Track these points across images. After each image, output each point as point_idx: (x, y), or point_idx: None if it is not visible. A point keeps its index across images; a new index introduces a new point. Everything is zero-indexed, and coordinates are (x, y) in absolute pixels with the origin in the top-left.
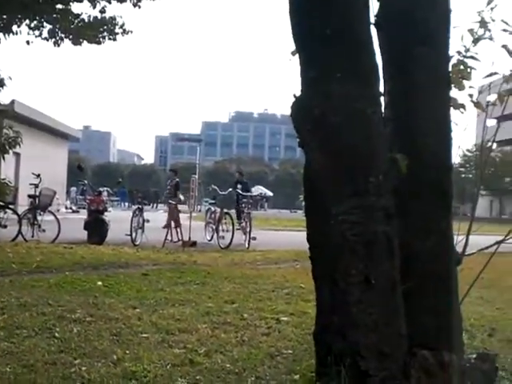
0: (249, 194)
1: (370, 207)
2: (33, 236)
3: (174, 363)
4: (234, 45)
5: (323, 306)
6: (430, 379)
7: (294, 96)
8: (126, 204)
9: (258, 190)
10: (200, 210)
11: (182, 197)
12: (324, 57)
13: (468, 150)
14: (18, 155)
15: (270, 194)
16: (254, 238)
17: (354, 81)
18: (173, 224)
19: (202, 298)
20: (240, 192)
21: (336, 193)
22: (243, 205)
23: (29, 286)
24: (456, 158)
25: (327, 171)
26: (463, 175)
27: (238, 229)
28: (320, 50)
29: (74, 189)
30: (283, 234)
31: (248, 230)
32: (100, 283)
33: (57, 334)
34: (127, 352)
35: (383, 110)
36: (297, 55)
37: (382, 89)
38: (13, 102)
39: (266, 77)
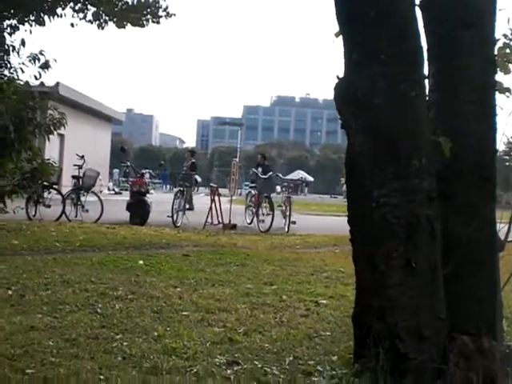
0: (289, 178)
1: (412, 190)
2: (76, 216)
3: (214, 341)
4: (277, 28)
5: (363, 288)
6: (469, 364)
7: (338, 77)
8: (168, 186)
9: (298, 174)
10: (240, 194)
11: (198, 178)
12: (368, 39)
13: None
14: (62, 136)
15: (311, 179)
16: (294, 222)
17: (398, 63)
18: (213, 206)
19: (241, 280)
20: (280, 176)
21: (378, 175)
22: (283, 189)
23: (72, 264)
24: (500, 145)
25: (369, 153)
26: (507, 163)
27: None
28: (364, 32)
29: (116, 171)
30: (323, 219)
31: (288, 214)
32: (141, 262)
33: (99, 310)
34: (168, 329)
35: (427, 93)
36: (340, 37)
37: (426, 71)
38: (57, 84)
39: (308, 61)
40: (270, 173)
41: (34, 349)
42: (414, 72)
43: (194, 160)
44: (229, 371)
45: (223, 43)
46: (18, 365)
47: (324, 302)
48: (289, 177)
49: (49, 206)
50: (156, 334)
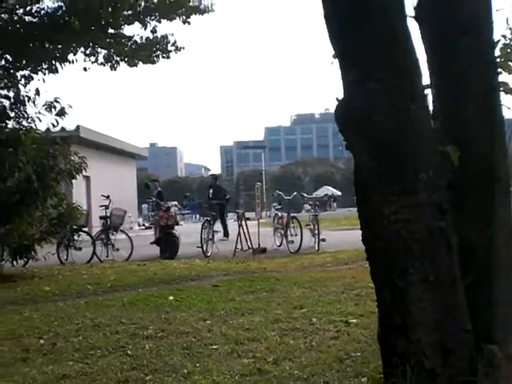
0: (313, 196)
1: (422, 204)
2: (107, 256)
3: (243, 373)
4: (291, 48)
5: (384, 306)
6: (499, 373)
7: (337, 99)
8: (197, 216)
9: (325, 190)
10: (269, 216)
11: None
12: (363, 57)
13: None
14: (87, 178)
15: (339, 193)
16: (324, 240)
17: (395, 78)
18: (241, 232)
19: (271, 306)
20: (304, 195)
21: (386, 193)
22: (310, 207)
23: (103, 306)
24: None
25: (375, 172)
26: None
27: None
28: (357, 51)
29: (145, 206)
30: (353, 233)
31: (316, 232)
32: (171, 298)
33: (129, 352)
34: (197, 365)
35: (431, 103)
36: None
37: (427, 82)
38: (78, 127)
39: (324, 77)
40: (295, 193)
41: None
42: (412, 85)
43: (159, 188)
44: None
45: (238, 68)
46: None
47: (354, 321)
48: (316, 193)
49: (80, 249)
50: (185, 371)
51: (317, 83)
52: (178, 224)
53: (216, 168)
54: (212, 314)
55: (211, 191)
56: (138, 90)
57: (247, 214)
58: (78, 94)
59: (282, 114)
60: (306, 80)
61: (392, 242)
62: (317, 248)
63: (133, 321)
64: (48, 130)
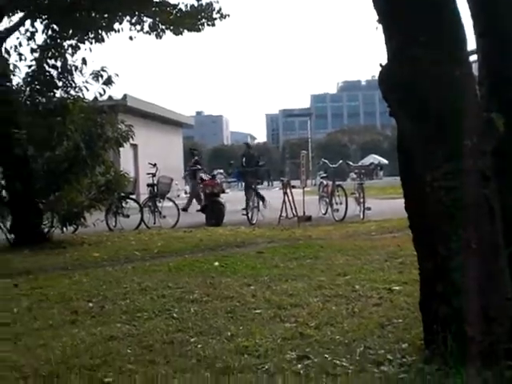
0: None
1: (466, 171)
2: (154, 223)
3: (285, 337)
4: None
5: (426, 274)
6: None
7: (380, 65)
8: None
9: (371, 159)
10: (314, 184)
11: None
12: (406, 22)
13: None
14: (135, 146)
15: (385, 161)
16: (369, 209)
17: (439, 44)
18: (286, 200)
19: (314, 272)
20: (350, 163)
21: (430, 159)
22: (355, 175)
23: (150, 271)
24: None
25: (419, 138)
26: None
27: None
28: (401, 16)
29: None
30: (400, 202)
31: (362, 200)
32: (217, 264)
33: (175, 315)
34: (240, 328)
35: (478, 69)
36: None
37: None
38: (125, 96)
39: (371, 43)
40: (340, 161)
41: (113, 358)
42: (456, 51)
43: (196, 157)
44: (299, 366)
45: (285, 34)
46: (97, 375)
47: (397, 288)
48: (362, 161)
49: (127, 216)
50: (229, 333)
51: (364, 50)
52: (224, 192)
53: (262, 136)
54: (256, 279)
55: (244, 159)
56: (184, 59)
57: (292, 182)
58: (124, 63)
59: (328, 81)
60: (353, 46)
61: (435, 209)
62: (362, 217)
63: (179, 285)
64: (95, 98)
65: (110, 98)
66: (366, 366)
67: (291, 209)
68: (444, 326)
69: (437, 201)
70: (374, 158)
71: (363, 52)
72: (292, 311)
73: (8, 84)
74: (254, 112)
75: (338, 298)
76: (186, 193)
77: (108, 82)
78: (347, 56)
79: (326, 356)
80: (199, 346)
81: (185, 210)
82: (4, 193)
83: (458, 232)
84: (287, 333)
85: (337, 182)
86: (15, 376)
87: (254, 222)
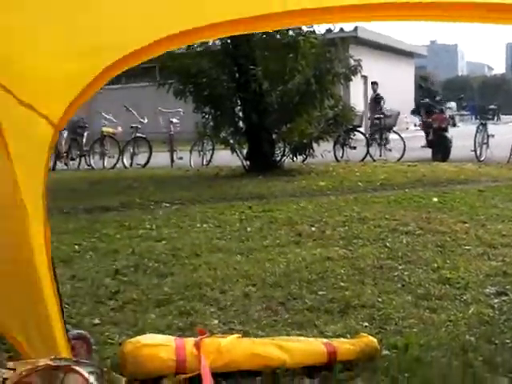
0: None
1: None
2: (380, 155)
3: (488, 273)
4: None
5: None
6: None
7: None
8: (477, 118)
9: None
10: None
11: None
12: None
13: None
14: (365, 78)
15: None
16: None
17: None
18: None
19: None
20: None
21: None
22: None
23: (370, 202)
24: None
25: None
26: None
27: None
28: None
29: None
30: None
31: None
32: (436, 199)
33: (387, 244)
34: (447, 261)
35: None
36: None
37: None
38: (355, 28)
39: None
40: None
41: (328, 275)
42: None
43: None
44: (495, 300)
45: None
46: (313, 288)
47: None
48: None
49: (354, 148)
50: (435, 265)
51: None
52: (454, 126)
53: (500, 67)
54: (472, 217)
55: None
56: None
57: None
58: None
59: None
60: None
61: None
62: None
63: (395, 217)
64: (328, 31)
65: (342, 30)
66: None
67: None
68: None
69: None
70: None
71: None
72: (501, 250)
73: None
74: (492, 41)
75: None
76: (415, 125)
77: None
78: None
79: None
80: (405, 273)
81: None
82: (241, 124)
83: None
84: (491, 270)
85: None
86: (246, 283)
87: (483, 158)
